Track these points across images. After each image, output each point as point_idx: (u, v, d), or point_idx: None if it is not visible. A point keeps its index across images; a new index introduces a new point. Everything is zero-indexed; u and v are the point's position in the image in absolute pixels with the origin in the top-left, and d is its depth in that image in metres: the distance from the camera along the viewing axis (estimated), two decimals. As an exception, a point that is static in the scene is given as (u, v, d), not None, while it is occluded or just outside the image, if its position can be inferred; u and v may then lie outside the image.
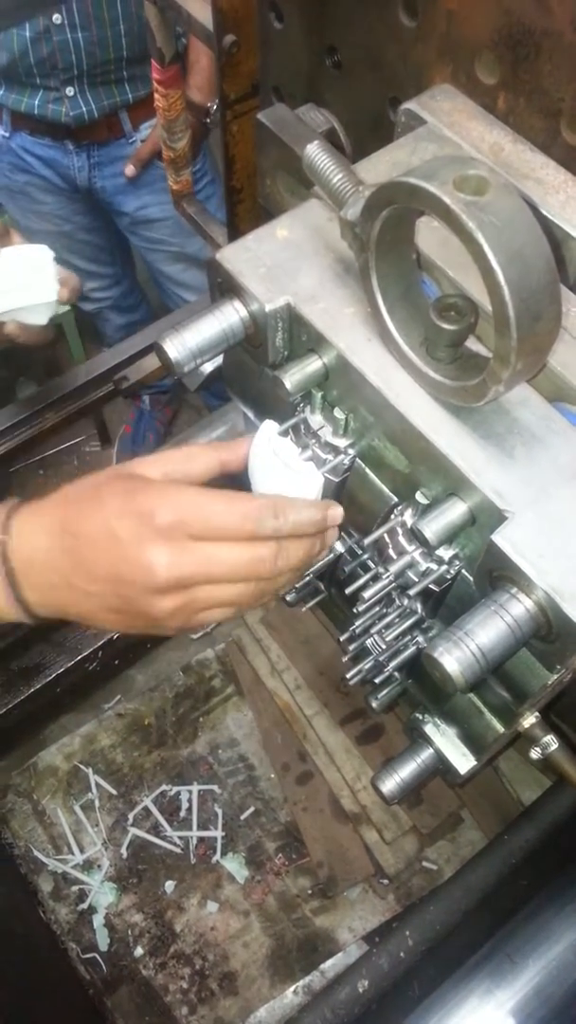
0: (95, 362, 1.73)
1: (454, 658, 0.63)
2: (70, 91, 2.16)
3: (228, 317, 0.78)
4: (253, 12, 1.10)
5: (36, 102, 2.18)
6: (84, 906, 1.80)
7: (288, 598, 1.09)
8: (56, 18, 2.02)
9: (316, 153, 0.71)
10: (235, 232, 1.45)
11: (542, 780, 1.79)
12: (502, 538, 0.65)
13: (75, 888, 1.82)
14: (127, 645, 1.65)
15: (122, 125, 2.31)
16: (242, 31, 1.13)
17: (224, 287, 0.79)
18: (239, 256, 0.78)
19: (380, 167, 0.81)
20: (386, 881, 1.84)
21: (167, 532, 0.62)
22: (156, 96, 1.43)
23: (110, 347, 3.03)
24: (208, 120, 1.50)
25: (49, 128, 2.26)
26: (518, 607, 0.65)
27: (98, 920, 1.79)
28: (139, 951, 1.78)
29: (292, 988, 1.74)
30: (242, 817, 1.90)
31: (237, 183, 1.35)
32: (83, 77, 2.15)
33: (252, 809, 1.91)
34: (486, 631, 0.64)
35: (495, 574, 0.68)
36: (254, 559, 0.67)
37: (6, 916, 1.68)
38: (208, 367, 1.04)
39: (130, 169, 2.34)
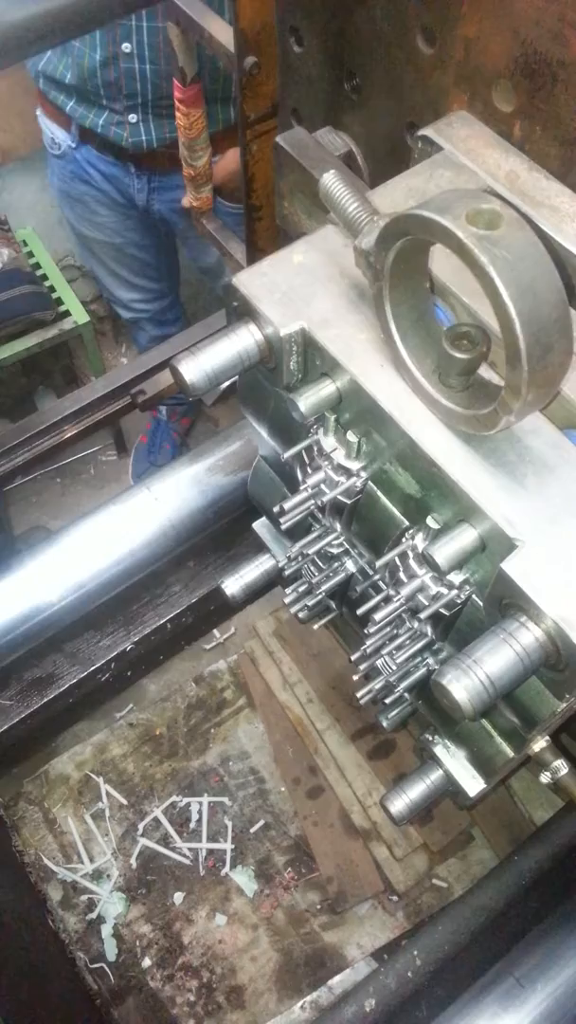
0: (113, 375, 1.74)
1: (462, 686, 0.63)
2: (133, 118, 2.20)
3: (243, 340, 0.79)
4: (274, 35, 1.11)
5: (100, 121, 2.24)
6: (93, 916, 1.81)
7: (300, 615, 1.09)
8: (125, 47, 2.06)
9: (332, 182, 0.71)
10: (253, 249, 1.46)
11: (554, 800, 1.78)
12: (512, 566, 0.65)
13: (84, 897, 1.83)
14: (139, 656, 1.66)
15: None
16: (263, 53, 1.15)
17: (240, 311, 0.80)
18: (255, 280, 0.79)
19: (396, 194, 0.82)
20: (395, 898, 1.83)
21: None
22: (177, 115, 1.45)
23: (139, 354, 3.06)
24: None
25: (113, 148, 2.31)
26: (527, 636, 0.65)
27: (107, 930, 1.80)
28: (147, 962, 1.78)
29: (299, 1003, 1.73)
30: (252, 830, 1.90)
31: (256, 201, 1.36)
32: (147, 106, 2.19)
33: (262, 822, 1.91)
34: (495, 659, 0.64)
35: (505, 602, 0.68)
36: None
37: (15, 924, 1.69)
38: (225, 382, 1.06)
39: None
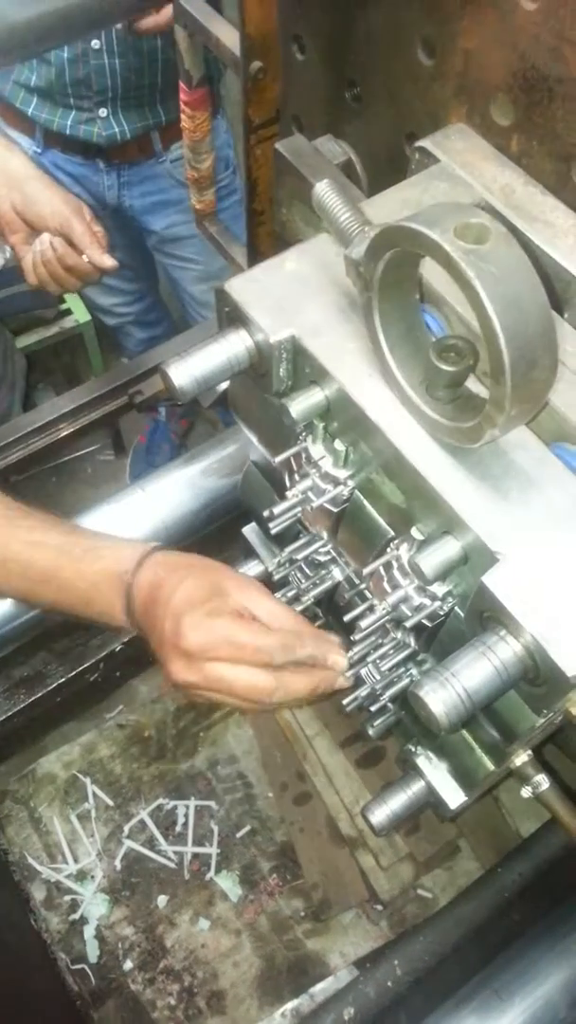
0: (110, 376, 1.75)
1: (439, 698, 0.63)
2: (103, 112, 2.20)
3: (234, 346, 0.79)
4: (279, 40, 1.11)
5: (68, 122, 2.22)
6: (76, 916, 1.80)
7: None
8: (95, 43, 2.06)
9: (324, 192, 0.72)
10: (255, 254, 1.47)
11: (541, 812, 1.76)
12: (492, 580, 0.65)
13: (67, 898, 1.83)
14: (128, 657, 1.65)
15: (153, 145, 2.34)
16: (269, 58, 1.15)
17: (231, 316, 0.80)
18: (247, 287, 0.79)
19: (391, 205, 0.82)
20: (380, 907, 1.83)
21: (187, 655, 0.82)
22: (183, 117, 1.45)
23: (130, 359, 3.06)
24: None
25: (81, 147, 2.30)
26: (506, 650, 0.65)
27: (89, 931, 1.79)
28: (128, 965, 1.78)
29: (280, 1011, 1.72)
30: (238, 835, 1.90)
31: (259, 206, 1.36)
32: (117, 99, 2.18)
33: (248, 827, 1.91)
34: (473, 672, 0.64)
35: (485, 615, 0.68)
36: (254, 687, 0.82)
37: (-2, 922, 1.69)
38: (222, 384, 1.06)
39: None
